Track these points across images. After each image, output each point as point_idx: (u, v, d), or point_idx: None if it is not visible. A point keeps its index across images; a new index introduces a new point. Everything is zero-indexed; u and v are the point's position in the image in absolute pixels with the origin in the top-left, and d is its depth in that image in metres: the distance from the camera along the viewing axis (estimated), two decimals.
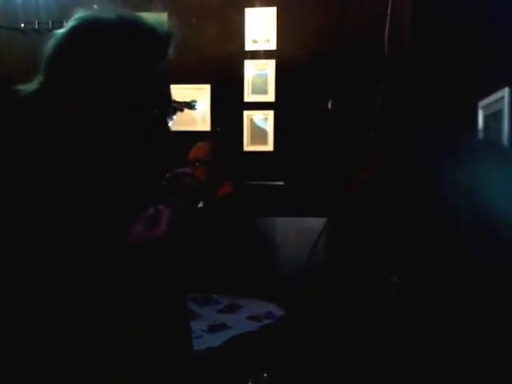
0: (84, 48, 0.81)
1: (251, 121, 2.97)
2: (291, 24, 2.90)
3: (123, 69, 0.81)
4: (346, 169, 2.68)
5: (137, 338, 0.81)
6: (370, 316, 0.88)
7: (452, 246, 0.75)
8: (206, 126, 2.98)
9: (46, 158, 0.78)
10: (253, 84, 2.95)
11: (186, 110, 2.90)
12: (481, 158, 0.80)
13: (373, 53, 2.76)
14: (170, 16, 2.81)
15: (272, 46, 2.93)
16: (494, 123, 1.62)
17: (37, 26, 2.95)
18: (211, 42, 2.87)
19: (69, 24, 0.84)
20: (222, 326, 1.71)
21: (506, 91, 1.53)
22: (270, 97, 2.94)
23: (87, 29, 0.83)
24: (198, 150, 2.42)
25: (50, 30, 2.87)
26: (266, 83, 2.94)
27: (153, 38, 0.85)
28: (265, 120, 2.96)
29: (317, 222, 2.62)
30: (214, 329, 1.67)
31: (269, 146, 2.95)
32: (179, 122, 0.91)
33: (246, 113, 2.95)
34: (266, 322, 1.79)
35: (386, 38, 2.73)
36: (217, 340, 1.58)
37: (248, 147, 2.96)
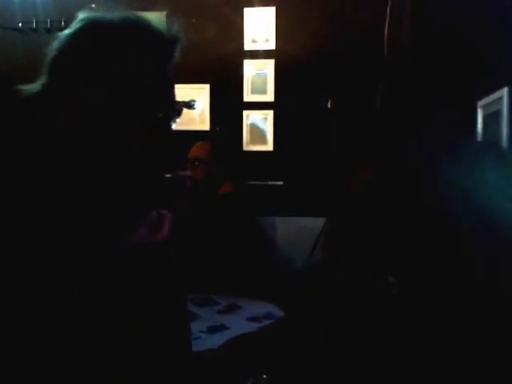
0: (88, 49, 0.81)
1: (250, 121, 2.96)
2: (290, 24, 2.90)
3: (126, 70, 0.81)
4: (346, 169, 2.68)
5: (137, 338, 0.81)
6: (370, 316, 0.88)
7: (452, 246, 0.75)
8: (205, 126, 2.98)
9: (47, 158, 0.78)
10: (252, 84, 2.95)
11: (185, 110, 2.89)
12: (480, 158, 0.80)
13: (372, 52, 2.76)
14: (169, 15, 2.81)
15: (271, 45, 2.93)
16: (493, 123, 1.62)
17: (35, 26, 2.94)
18: (210, 41, 2.86)
19: (73, 25, 0.84)
20: (222, 327, 1.70)
21: (504, 91, 1.53)
22: (270, 96, 2.94)
23: (91, 30, 0.83)
24: (197, 150, 2.41)
25: (48, 30, 2.87)
26: (265, 83, 2.94)
27: (157, 40, 0.85)
28: (264, 120, 2.96)
29: (316, 222, 2.62)
30: (213, 330, 1.67)
31: (268, 146, 2.95)
32: (178, 122, 0.91)
33: (245, 112, 2.95)
34: (265, 322, 1.79)
35: (386, 38, 2.72)
36: (216, 341, 1.57)
37: (247, 147, 2.96)
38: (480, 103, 1.74)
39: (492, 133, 1.63)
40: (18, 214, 0.74)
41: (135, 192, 0.87)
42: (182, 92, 3.03)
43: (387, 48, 2.73)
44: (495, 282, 0.73)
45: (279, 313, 1.89)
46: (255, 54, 2.94)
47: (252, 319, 1.81)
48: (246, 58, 2.94)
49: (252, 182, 2.83)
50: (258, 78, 2.94)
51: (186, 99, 2.93)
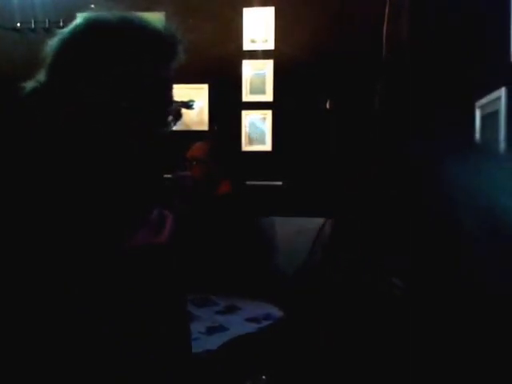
0: (88, 49, 0.81)
1: (249, 121, 2.96)
2: (289, 24, 2.90)
3: (126, 70, 0.81)
4: (345, 169, 2.68)
5: (136, 339, 0.81)
6: (370, 316, 0.88)
7: (452, 246, 0.75)
8: (203, 126, 2.98)
9: (47, 158, 0.78)
10: (251, 84, 2.95)
11: (184, 110, 2.89)
12: (481, 158, 0.80)
13: (371, 52, 2.76)
14: (167, 16, 2.81)
15: (270, 45, 2.93)
16: (491, 123, 1.62)
17: (33, 26, 2.93)
18: (209, 41, 2.86)
19: (73, 24, 0.84)
20: (221, 328, 1.70)
21: (502, 91, 1.53)
22: (268, 97, 2.94)
23: (91, 30, 0.83)
24: (196, 150, 2.41)
25: (47, 30, 2.86)
26: (264, 83, 2.93)
27: (156, 40, 0.85)
28: (263, 120, 2.95)
29: (315, 222, 2.62)
30: (212, 330, 1.67)
31: (267, 146, 2.95)
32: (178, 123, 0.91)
33: (244, 112, 2.95)
34: (264, 323, 1.78)
35: (384, 38, 2.72)
36: (215, 342, 1.57)
37: (246, 147, 2.96)
38: (478, 103, 1.74)
39: (490, 133, 1.63)
40: (18, 213, 0.74)
41: (135, 192, 0.87)
42: (181, 92, 3.01)
43: (386, 48, 2.73)
44: (495, 282, 0.73)
45: (278, 313, 1.89)
46: (254, 54, 2.94)
47: (251, 320, 1.81)
48: (245, 58, 2.94)
49: (251, 182, 2.83)
50: (257, 78, 2.94)
51: (185, 99, 2.92)
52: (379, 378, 0.83)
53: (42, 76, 0.84)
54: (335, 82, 2.84)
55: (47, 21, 2.90)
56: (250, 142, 2.96)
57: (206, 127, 2.98)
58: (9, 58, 2.89)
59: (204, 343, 1.55)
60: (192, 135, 2.71)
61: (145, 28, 0.86)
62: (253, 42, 2.95)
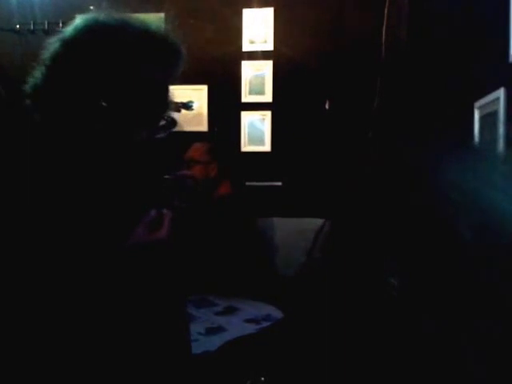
0: (87, 50, 0.81)
1: (248, 121, 2.96)
2: (288, 25, 2.90)
3: (124, 71, 0.81)
4: (344, 169, 2.68)
5: (135, 338, 0.81)
6: (370, 317, 0.88)
7: (448, 247, 0.75)
8: (203, 127, 2.98)
9: (46, 159, 0.78)
10: (250, 84, 2.95)
11: (183, 111, 2.90)
12: (478, 159, 0.80)
13: (370, 53, 2.76)
14: (167, 17, 2.81)
15: (269, 46, 2.93)
16: (490, 124, 1.62)
17: (32, 27, 2.93)
18: (208, 42, 2.86)
19: (73, 25, 0.84)
20: (220, 329, 1.70)
21: (501, 92, 1.53)
22: (268, 97, 2.94)
23: (91, 31, 0.83)
24: (194, 151, 2.41)
25: (46, 31, 2.86)
26: (263, 84, 2.94)
27: (157, 44, 0.86)
28: (262, 120, 2.96)
29: (315, 223, 2.62)
30: (211, 331, 1.66)
31: (266, 147, 2.95)
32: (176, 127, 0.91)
33: (243, 113, 2.95)
34: (264, 324, 1.78)
35: (383, 38, 2.73)
36: (214, 343, 1.57)
37: (245, 148, 2.96)
38: (477, 104, 1.74)
39: (488, 134, 1.63)
40: (18, 212, 0.74)
41: (134, 192, 0.87)
42: (180, 93, 3.03)
43: (385, 49, 2.73)
44: (495, 282, 0.73)
45: (278, 314, 1.88)
46: (253, 55, 2.94)
47: (250, 321, 1.80)
48: (244, 58, 2.95)
49: (250, 183, 2.83)
50: (256, 78, 2.94)
51: (184, 100, 2.93)
52: (378, 378, 0.83)
53: (40, 76, 0.84)
54: (334, 83, 2.84)
55: (46, 22, 2.89)
56: (249, 142, 2.96)
57: (205, 128, 2.98)
58: (8, 59, 2.89)
59: (203, 344, 1.55)
60: (191, 136, 2.71)
61: (144, 30, 0.86)
62: (252, 42, 2.95)
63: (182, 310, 0.97)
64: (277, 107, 2.92)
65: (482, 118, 1.71)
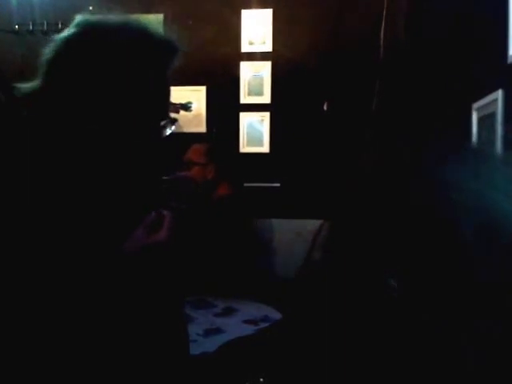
0: (86, 53, 0.81)
1: (247, 122, 2.96)
2: (287, 26, 2.90)
3: (124, 72, 0.81)
4: (343, 170, 2.68)
5: (134, 340, 0.81)
6: (369, 317, 0.88)
7: (449, 247, 0.75)
8: (201, 128, 2.98)
9: (44, 160, 0.78)
10: (249, 86, 2.95)
11: (182, 112, 2.90)
12: (477, 160, 0.80)
13: (368, 54, 2.76)
14: (166, 17, 2.81)
15: (268, 47, 2.93)
16: (488, 125, 1.62)
17: (31, 28, 2.93)
18: (207, 43, 2.86)
19: (71, 28, 0.84)
20: (218, 330, 1.69)
21: (499, 93, 1.53)
22: (266, 98, 2.94)
23: (91, 34, 0.83)
24: (192, 152, 2.41)
25: (45, 32, 2.86)
26: (261, 85, 2.94)
27: (156, 46, 0.86)
28: (261, 122, 2.96)
29: (313, 224, 2.62)
30: (209, 333, 1.66)
31: (265, 148, 2.95)
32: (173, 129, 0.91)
33: (241, 114, 2.95)
34: (262, 325, 1.78)
35: (382, 40, 2.73)
36: (212, 344, 1.56)
37: (244, 149, 2.96)
38: (475, 105, 1.74)
39: (486, 135, 1.64)
40: (15, 215, 0.74)
41: (133, 194, 0.87)
42: (179, 94, 3.03)
43: (383, 50, 2.74)
44: (496, 282, 0.73)
45: (276, 316, 1.88)
46: (252, 56, 2.94)
47: (249, 322, 1.80)
48: (243, 59, 2.95)
49: (249, 184, 2.83)
50: (255, 79, 2.94)
51: (183, 101, 2.93)
52: (377, 379, 0.83)
53: (39, 77, 0.84)
54: (333, 84, 2.84)
55: (45, 23, 2.89)
56: (248, 143, 2.96)
57: (203, 129, 2.98)
58: (6, 59, 2.89)
59: (202, 345, 1.54)
60: (189, 137, 2.71)
61: (143, 31, 0.86)
62: (251, 43, 2.95)
63: (180, 311, 0.97)
64: (275, 108, 2.93)
65: (480, 120, 1.71)
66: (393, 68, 2.71)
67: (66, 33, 0.84)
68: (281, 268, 2.50)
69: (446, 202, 0.77)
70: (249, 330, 1.73)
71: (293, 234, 2.62)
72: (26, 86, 0.84)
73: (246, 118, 2.96)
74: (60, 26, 2.75)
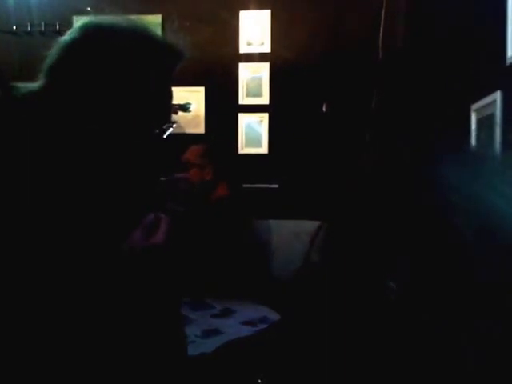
0: (87, 52, 0.81)
1: (245, 123, 2.96)
2: (285, 27, 2.91)
3: (125, 74, 0.81)
4: (341, 171, 2.68)
5: (132, 341, 0.81)
6: (368, 319, 0.88)
7: (447, 249, 0.75)
8: (200, 129, 2.98)
9: (44, 159, 0.78)
10: (247, 87, 2.95)
11: (180, 113, 2.90)
12: (476, 161, 0.80)
13: (367, 55, 2.76)
14: (164, 18, 2.81)
15: (266, 48, 2.93)
16: (487, 126, 1.62)
17: (29, 29, 2.92)
18: (206, 44, 2.86)
19: (74, 30, 0.84)
20: (216, 331, 1.69)
21: (498, 95, 1.53)
22: (265, 99, 2.94)
23: (92, 34, 0.83)
24: (190, 153, 2.41)
25: (43, 33, 2.85)
26: (260, 86, 2.94)
27: (159, 51, 0.86)
28: (259, 123, 2.96)
29: (312, 225, 2.62)
30: (207, 334, 1.66)
31: (263, 149, 2.95)
32: (172, 130, 0.91)
33: (240, 115, 2.95)
34: (260, 326, 1.78)
35: (380, 41, 2.73)
36: (211, 345, 1.56)
37: (242, 150, 2.96)
38: (473, 107, 1.74)
39: (485, 136, 1.64)
40: (16, 214, 0.74)
41: (132, 194, 0.87)
42: (178, 95, 3.01)
43: (382, 51, 2.74)
44: (496, 284, 0.73)
45: (274, 316, 1.88)
46: (250, 57, 2.95)
47: (247, 323, 1.80)
48: (242, 60, 2.95)
49: (247, 185, 2.83)
50: (253, 80, 2.95)
51: (181, 102, 2.93)
52: (377, 380, 0.83)
53: (42, 77, 0.84)
54: (332, 85, 2.84)
55: (43, 24, 2.88)
56: (247, 144, 2.96)
57: (202, 130, 2.98)
58: (4, 60, 2.88)
59: (200, 346, 1.54)
60: (188, 138, 2.70)
61: (142, 32, 0.86)
62: (249, 44, 2.95)
63: (177, 312, 0.97)
64: (274, 109, 2.93)
65: (478, 121, 1.71)
66: (392, 68, 2.71)
67: (69, 35, 0.84)
68: (279, 269, 2.50)
69: (446, 202, 0.77)
70: (247, 330, 1.73)
71: (291, 235, 2.62)
72: (25, 85, 0.84)
73: (244, 119, 2.96)
74: (58, 26, 2.74)
